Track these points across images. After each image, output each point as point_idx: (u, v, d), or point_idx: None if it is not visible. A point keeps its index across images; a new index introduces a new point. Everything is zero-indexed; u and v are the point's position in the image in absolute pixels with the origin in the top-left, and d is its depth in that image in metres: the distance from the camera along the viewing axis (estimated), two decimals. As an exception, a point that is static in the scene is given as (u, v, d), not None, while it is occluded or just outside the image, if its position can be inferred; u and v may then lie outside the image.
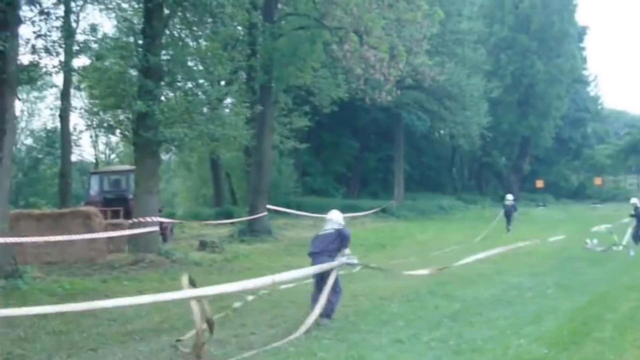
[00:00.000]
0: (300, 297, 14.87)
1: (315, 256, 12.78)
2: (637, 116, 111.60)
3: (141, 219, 20.44)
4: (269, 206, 29.57)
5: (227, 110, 30.42)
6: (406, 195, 55.29)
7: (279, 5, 30.73)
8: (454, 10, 46.18)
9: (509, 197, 38.69)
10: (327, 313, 12.38)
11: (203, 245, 25.61)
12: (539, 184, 68.98)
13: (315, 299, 12.38)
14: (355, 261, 13.41)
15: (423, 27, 29.73)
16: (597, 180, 74.38)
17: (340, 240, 12.83)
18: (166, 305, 14.05)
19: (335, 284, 12.58)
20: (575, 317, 12.83)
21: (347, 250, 13.04)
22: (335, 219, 13.21)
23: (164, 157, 40.58)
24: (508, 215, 37.37)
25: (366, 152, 62.52)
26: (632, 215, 28.77)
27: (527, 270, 20.15)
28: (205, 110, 23.14)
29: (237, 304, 13.98)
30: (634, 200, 29.63)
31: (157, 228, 21.89)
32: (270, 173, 34.47)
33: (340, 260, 12.70)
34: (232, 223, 30.97)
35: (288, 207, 33.42)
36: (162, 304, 14.15)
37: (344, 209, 35.39)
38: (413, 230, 36.95)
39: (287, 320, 12.46)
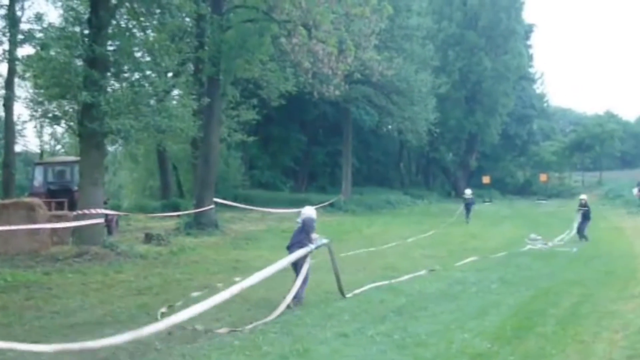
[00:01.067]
0: (246, 290, 14.84)
1: (289, 250, 13.82)
2: (582, 114, 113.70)
3: (86, 211, 20.22)
4: (216, 199, 29.46)
5: (174, 102, 30.23)
6: (354, 190, 55.35)
7: (228, -3, 30.59)
8: (402, 5, 46.32)
9: (468, 192, 41.07)
10: (296, 297, 13.24)
11: (149, 238, 25.38)
12: (486, 179, 69.45)
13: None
14: (324, 241, 14.30)
15: (372, 22, 29.78)
16: (543, 177, 75.16)
17: (305, 229, 13.94)
18: (110, 298, 13.98)
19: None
20: (519, 312, 12.99)
21: (314, 235, 13.98)
22: (303, 212, 14.38)
23: (111, 148, 40.25)
24: (467, 209, 39.11)
25: (314, 146, 62.49)
26: (579, 209, 29.30)
27: (472, 266, 20.34)
28: (152, 101, 22.93)
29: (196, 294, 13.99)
30: (583, 196, 30.33)
31: (102, 220, 21.66)
32: (217, 166, 34.28)
33: (309, 246, 13.67)
34: (178, 216, 30.80)
35: (235, 200, 33.32)
36: (107, 297, 14.09)
37: (291, 203, 35.37)
38: (360, 224, 37.04)
39: (232, 314, 12.41)
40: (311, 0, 25.93)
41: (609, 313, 12.94)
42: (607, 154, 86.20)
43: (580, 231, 28.58)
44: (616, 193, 61.59)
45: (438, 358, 9.64)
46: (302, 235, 13.92)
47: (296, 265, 13.55)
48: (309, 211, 14.35)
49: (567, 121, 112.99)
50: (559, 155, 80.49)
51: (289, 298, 12.88)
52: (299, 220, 14.25)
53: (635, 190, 54.55)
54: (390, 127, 59.87)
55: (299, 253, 13.40)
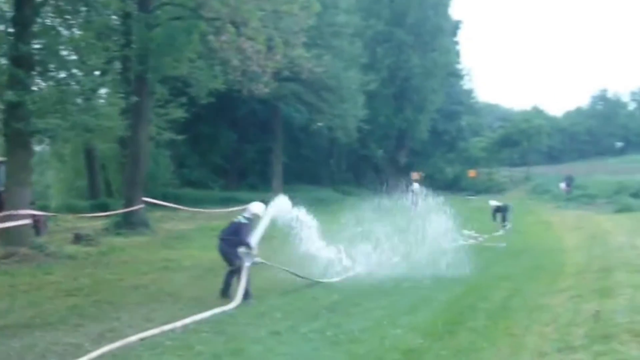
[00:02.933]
0: (177, 289, 14.77)
1: (220, 242, 14.00)
2: (509, 110, 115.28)
3: (13, 212, 19.88)
4: (145, 198, 29.19)
5: (101, 101, 29.81)
6: (285, 187, 55.17)
7: (155, -5, 30.30)
8: (330, 2, 46.28)
9: (415, 186, 43.26)
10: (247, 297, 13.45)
11: (78, 239, 25.02)
12: (415, 176, 69.78)
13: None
14: (257, 260, 14.15)
15: (300, 19, 29.78)
16: (472, 173, 75.91)
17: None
18: (39, 300, 13.76)
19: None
20: (450, 307, 13.13)
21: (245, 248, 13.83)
22: (250, 209, 14.43)
23: (37, 148, 39.57)
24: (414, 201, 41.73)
25: (244, 144, 62.16)
26: (495, 212, 30.60)
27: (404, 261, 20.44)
28: (78, 100, 22.63)
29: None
30: (492, 202, 31.65)
31: (29, 221, 21.30)
32: (146, 165, 33.81)
33: (244, 264, 13.66)
34: (107, 216, 30.41)
35: (165, 199, 33.01)
36: (36, 299, 13.86)
37: (222, 202, 35.08)
38: (289, 221, 36.91)
39: (164, 313, 12.30)
40: (239, -3, 25.85)
41: (538, 307, 13.14)
42: (534, 149, 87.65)
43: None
44: (544, 188, 62.68)
45: (371, 354, 9.70)
46: (242, 232, 13.80)
47: (229, 261, 13.68)
48: (253, 208, 14.27)
49: (494, 117, 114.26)
50: (487, 150, 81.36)
51: (237, 299, 13.03)
52: (245, 215, 14.15)
53: (562, 185, 55.72)
54: (320, 124, 59.96)
55: (244, 278, 13.38)
